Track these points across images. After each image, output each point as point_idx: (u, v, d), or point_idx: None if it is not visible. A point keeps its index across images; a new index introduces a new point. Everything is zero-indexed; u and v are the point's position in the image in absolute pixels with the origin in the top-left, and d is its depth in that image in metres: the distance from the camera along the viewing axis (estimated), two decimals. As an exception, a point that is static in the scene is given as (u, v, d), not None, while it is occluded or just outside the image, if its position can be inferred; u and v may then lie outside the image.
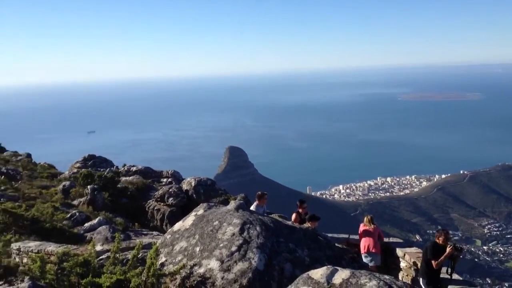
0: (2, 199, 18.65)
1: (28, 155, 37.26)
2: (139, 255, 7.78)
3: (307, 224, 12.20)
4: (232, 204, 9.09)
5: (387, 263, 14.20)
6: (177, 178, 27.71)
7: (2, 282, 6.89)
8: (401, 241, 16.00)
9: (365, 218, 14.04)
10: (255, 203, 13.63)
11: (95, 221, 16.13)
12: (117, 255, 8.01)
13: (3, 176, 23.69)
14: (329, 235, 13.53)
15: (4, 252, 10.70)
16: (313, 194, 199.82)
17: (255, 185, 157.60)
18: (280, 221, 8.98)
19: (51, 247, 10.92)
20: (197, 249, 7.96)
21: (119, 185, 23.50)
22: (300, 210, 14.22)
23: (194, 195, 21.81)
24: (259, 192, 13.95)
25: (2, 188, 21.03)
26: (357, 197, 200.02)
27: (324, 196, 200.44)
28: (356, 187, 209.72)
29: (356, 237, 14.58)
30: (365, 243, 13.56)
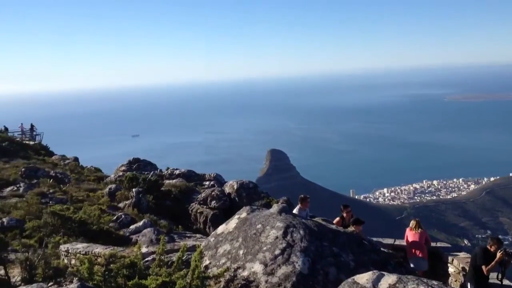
0: (51, 202, 19.24)
1: (76, 159, 38.37)
2: (184, 258, 7.85)
3: (351, 228, 12.07)
4: (275, 207, 9.06)
5: (434, 268, 13.84)
6: (219, 181, 27.87)
7: (51, 283, 7.08)
8: (449, 245, 15.53)
9: (412, 222, 13.72)
10: (297, 207, 13.53)
11: (140, 223, 16.42)
12: (162, 257, 8.11)
13: (52, 180, 24.44)
14: (374, 239, 13.30)
15: (53, 254, 11.00)
16: (356, 197, 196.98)
17: (297, 188, 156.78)
18: (324, 225, 8.89)
19: (98, 249, 11.17)
20: (241, 252, 7.97)
21: (162, 188, 23.85)
22: (344, 215, 14.01)
23: (237, 198, 21.89)
24: (302, 195, 13.84)
25: (51, 191, 21.69)
26: (402, 200, 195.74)
27: (368, 200, 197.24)
28: (401, 190, 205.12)
29: (402, 241, 14.25)
30: (411, 248, 13.25)
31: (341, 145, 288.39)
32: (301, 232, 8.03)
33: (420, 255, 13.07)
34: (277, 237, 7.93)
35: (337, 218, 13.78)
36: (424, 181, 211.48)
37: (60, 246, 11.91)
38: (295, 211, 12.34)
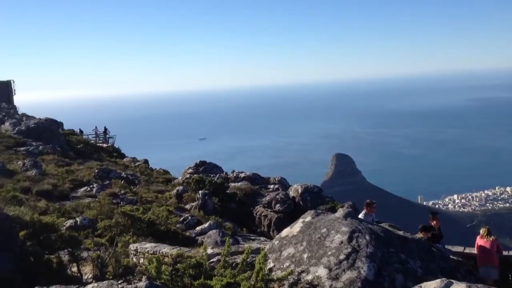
0: (122, 202, 19.95)
1: (146, 161, 39.66)
2: (248, 260, 7.89)
3: (419, 235, 11.76)
4: (341, 212, 8.94)
5: (505, 277, 13.23)
6: (284, 184, 27.88)
7: (121, 280, 7.31)
8: None
9: (482, 230, 13.16)
10: (363, 212, 13.28)
11: (205, 225, 16.69)
12: (227, 259, 8.20)
13: (123, 181, 25.34)
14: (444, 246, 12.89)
15: (124, 252, 11.37)
16: (424, 203, 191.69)
17: (362, 193, 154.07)
18: (391, 231, 8.66)
19: (166, 249, 11.44)
20: (305, 256, 7.91)
21: (228, 191, 24.14)
22: (434, 223, 13.58)
23: (301, 202, 21.81)
24: (368, 200, 13.59)
25: (122, 192, 22.49)
26: (473, 207, 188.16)
27: (436, 206, 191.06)
28: (472, 197, 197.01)
29: (473, 249, 13.75)
30: (482, 256, 12.72)
31: (409, 150, 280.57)
32: (367, 237, 7.87)
33: (491, 264, 12.53)
34: (342, 242, 7.81)
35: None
36: (496, 187, 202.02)
37: (130, 245, 12.30)
38: (360, 216, 12.13)
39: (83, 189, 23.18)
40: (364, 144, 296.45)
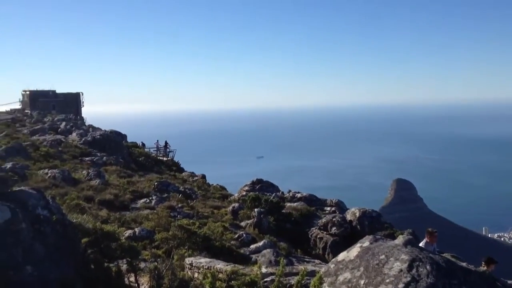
0: (179, 216, 20.27)
1: (203, 176, 40.21)
2: (303, 282, 7.78)
3: (483, 267, 11.26)
4: (400, 239, 8.65)
5: None
6: (341, 207, 27.48)
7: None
8: None
9: None
10: (424, 240, 12.85)
11: (260, 243, 16.66)
12: (282, 279, 8.11)
13: (180, 195, 25.79)
14: (509, 281, 12.21)
15: (179, 265, 11.50)
16: (489, 235, 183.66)
17: (423, 221, 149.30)
18: (453, 262, 8.29)
19: (220, 264, 11.49)
20: (362, 282, 7.70)
21: (284, 210, 24.05)
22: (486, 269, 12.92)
23: (358, 226, 21.38)
24: (429, 229, 13.15)
25: (180, 205, 22.86)
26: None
27: (502, 239, 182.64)
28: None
29: None
30: None
31: (474, 179, 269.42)
32: (428, 267, 7.56)
33: None
34: (401, 270, 7.55)
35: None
36: None
37: (185, 258, 12.45)
38: (421, 244, 11.72)
39: (142, 200, 23.74)
40: (426, 171, 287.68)
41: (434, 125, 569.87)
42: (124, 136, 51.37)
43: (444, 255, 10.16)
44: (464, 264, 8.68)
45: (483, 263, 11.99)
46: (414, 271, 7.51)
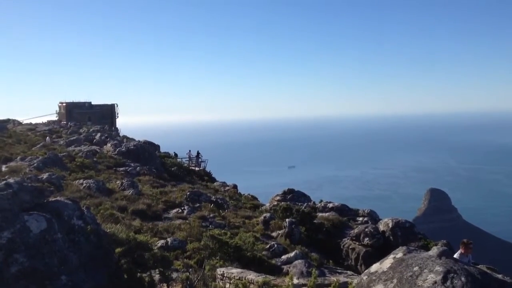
0: (210, 226, 20.38)
1: (235, 186, 40.31)
2: (335, 293, 7.72)
3: None
4: (435, 250, 8.49)
5: None
6: (373, 217, 27.10)
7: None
8: None
9: None
10: (458, 252, 12.55)
11: (291, 254, 16.58)
12: (313, 291, 8.06)
13: (212, 204, 25.92)
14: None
15: (211, 276, 11.56)
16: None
17: (458, 232, 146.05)
18: (489, 274, 8.09)
19: (251, 275, 11.48)
20: (395, 294, 7.58)
21: (315, 221, 23.87)
22: None
23: (391, 237, 21.04)
24: (465, 240, 12.82)
25: (211, 215, 22.97)
26: None
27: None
28: None
29: None
30: None
31: (510, 188, 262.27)
32: (463, 279, 7.40)
33: None
34: (435, 282, 7.40)
35: None
36: None
37: (217, 269, 12.49)
38: (455, 256, 11.47)
39: (175, 210, 23.94)
40: (461, 180, 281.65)
41: (465, 133, 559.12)
42: (157, 147, 52.02)
43: (479, 266, 9.92)
44: (500, 276, 8.44)
45: None
46: (448, 283, 7.36)
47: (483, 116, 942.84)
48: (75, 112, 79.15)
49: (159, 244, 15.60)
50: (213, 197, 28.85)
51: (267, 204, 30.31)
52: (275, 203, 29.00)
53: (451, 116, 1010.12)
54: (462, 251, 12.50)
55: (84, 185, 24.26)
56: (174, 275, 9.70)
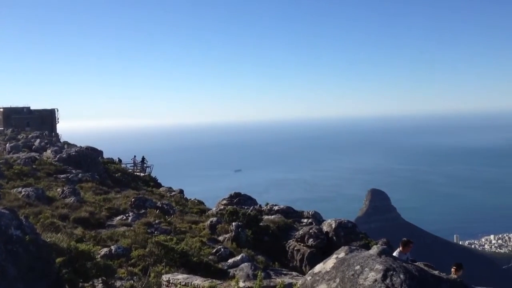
0: (156, 232, 20.12)
1: (181, 191, 39.94)
2: (280, 295, 7.83)
3: (453, 274, 11.96)
4: (375, 249, 8.78)
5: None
6: (317, 219, 27.62)
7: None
8: None
9: None
10: (398, 250, 13.05)
11: (238, 257, 16.64)
12: (258, 293, 8.15)
13: (158, 210, 25.59)
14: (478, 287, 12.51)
15: (156, 283, 11.44)
16: (460, 243, 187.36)
17: (397, 230, 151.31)
18: (426, 270, 8.45)
19: (198, 280, 11.45)
20: (337, 293, 7.78)
21: (261, 223, 24.06)
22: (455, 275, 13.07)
23: (334, 237, 21.54)
24: (405, 239, 13.35)
25: (157, 221, 22.67)
26: (510, 248, 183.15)
27: (472, 246, 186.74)
28: (510, 237, 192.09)
29: None
30: None
31: (446, 188, 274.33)
32: (401, 276, 7.70)
33: None
34: (376, 280, 7.66)
35: None
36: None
37: (162, 276, 12.37)
38: (395, 254, 11.90)
39: (119, 217, 23.47)
40: (400, 181, 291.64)
41: (408, 136, 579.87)
42: (100, 152, 50.78)
43: (417, 263, 10.33)
44: (436, 272, 8.84)
45: (452, 269, 12.36)
46: (388, 280, 7.63)
47: (422, 120, 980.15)
48: (12, 118, 76.01)
49: (102, 253, 15.26)
50: (159, 202, 28.48)
51: (214, 209, 30.28)
52: (222, 207, 29.02)
53: (391, 120, 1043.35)
54: (401, 249, 13.01)
55: (23, 193, 23.37)
56: (118, 283, 9.53)
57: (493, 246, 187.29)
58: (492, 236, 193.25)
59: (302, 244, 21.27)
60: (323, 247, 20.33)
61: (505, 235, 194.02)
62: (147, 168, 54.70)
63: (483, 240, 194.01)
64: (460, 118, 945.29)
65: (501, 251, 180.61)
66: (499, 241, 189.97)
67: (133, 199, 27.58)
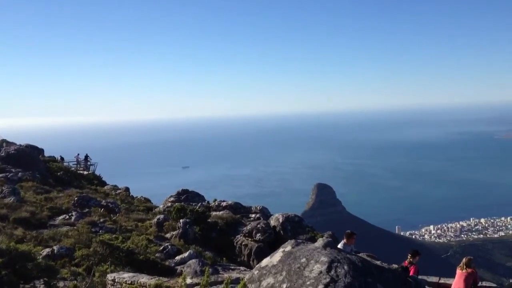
0: (101, 231, 19.71)
1: (127, 189, 39.19)
2: (227, 290, 7.86)
3: (409, 259, 12.69)
4: (320, 242, 8.96)
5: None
6: (265, 214, 27.85)
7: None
8: (494, 285, 15.10)
9: (463, 260, 13.35)
10: (342, 242, 13.36)
11: (185, 254, 16.56)
12: (206, 289, 8.15)
13: (102, 209, 25.05)
14: (419, 277, 13.03)
15: (100, 283, 11.21)
16: (402, 233, 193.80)
17: (342, 223, 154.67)
18: (369, 261, 8.72)
19: (144, 278, 11.31)
20: (284, 286, 7.89)
21: (209, 220, 24.02)
22: (411, 260, 13.47)
23: (282, 232, 21.78)
24: (348, 231, 13.67)
25: (102, 220, 22.21)
26: (448, 238, 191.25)
27: (413, 236, 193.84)
28: (448, 227, 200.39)
29: (448, 280, 14.07)
30: (455, 286, 12.90)
31: (388, 181, 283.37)
32: (346, 267, 7.90)
33: None
34: (321, 272, 7.82)
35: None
36: (471, 219, 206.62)
37: (107, 275, 12.13)
38: (339, 246, 12.19)
39: (61, 217, 22.84)
40: (345, 175, 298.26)
41: (349, 131, 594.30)
42: (40, 151, 48.94)
43: (360, 254, 10.64)
44: (378, 262, 9.13)
45: (409, 255, 12.87)
46: (333, 272, 7.81)
47: (368, 116, 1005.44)
48: None
49: (44, 253, 14.80)
50: (104, 201, 27.88)
51: (161, 206, 29.97)
52: (169, 204, 28.78)
53: (338, 116, 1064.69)
54: (346, 241, 13.35)
55: (-42, 194, 22.33)
56: (61, 284, 9.28)
57: (432, 236, 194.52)
58: (431, 227, 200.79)
59: (250, 239, 21.39)
60: (271, 241, 20.53)
61: (443, 225, 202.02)
62: (90, 166, 53.33)
63: (423, 230, 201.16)
64: (405, 114, 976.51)
65: (440, 240, 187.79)
66: (438, 231, 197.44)
67: (76, 198, 26.89)
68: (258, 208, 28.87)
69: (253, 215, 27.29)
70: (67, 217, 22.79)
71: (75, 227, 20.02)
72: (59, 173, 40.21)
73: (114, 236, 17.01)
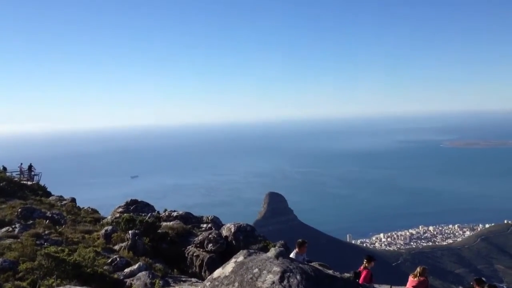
0: (46, 243, 19.02)
1: (73, 200, 38.05)
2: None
3: (365, 265, 12.79)
4: (272, 252, 8.97)
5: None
6: (217, 223, 27.65)
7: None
8: None
9: (417, 269, 13.68)
10: (294, 251, 13.40)
11: (135, 266, 16.22)
12: (156, 302, 7.98)
13: (48, 221, 24.21)
14: (373, 284, 13.25)
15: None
16: (353, 242, 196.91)
17: (294, 231, 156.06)
18: (321, 270, 8.79)
19: (92, 292, 10.98)
20: (237, 297, 7.84)
21: (159, 230, 23.62)
22: (366, 266, 13.74)
23: (234, 242, 21.65)
24: (300, 240, 13.73)
25: (47, 232, 21.46)
26: (398, 246, 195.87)
27: (364, 245, 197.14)
28: (398, 235, 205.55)
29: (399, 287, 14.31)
30: None
31: (339, 189, 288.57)
32: (298, 277, 7.94)
33: None
34: (273, 282, 7.83)
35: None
36: (420, 226, 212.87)
37: (53, 289, 11.72)
38: (292, 255, 12.22)
39: (4, 229, 21.95)
40: (296, 183, 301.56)
41: (300, 140, 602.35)
42: (-20, 160, 46.98)
43: (312, 263, 10.73)
44: (330, 271, 9.23)
45: (365, 260, 13.11)
46: (285, 282, 7.82)
47: (318, 125, 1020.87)
48: None
49: (-15, 268, 14.15)
50: (49, 212, 26.95)
51: (109, 217, 29.26)
52: (118, 215, 28.11)
53: (288, 124, 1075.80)
54: (298, 250, 13.40)
55: None
56: (4, 300, 8.87)
57: (383, 244, 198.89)
58: (382, 235, 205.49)
59: (201, 250, 21.16)
60: (223, 252, 20.36)
61: (393, 233, 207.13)
62: (35, 176, 51.48)
63: (373, 238, 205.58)
64: (354, 123, 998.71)
65: (391, 248, 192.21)
66: (389, 239, 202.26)
67: (19, 210, 25.91)
68: (209, 218, 28.64)
69: (204, 225, 27.03)
70: (10, 229, 21.93)
71: (18, 240, 19.27)
72: (1, 184, 38.63)
73: (60, 248, 16.44)
